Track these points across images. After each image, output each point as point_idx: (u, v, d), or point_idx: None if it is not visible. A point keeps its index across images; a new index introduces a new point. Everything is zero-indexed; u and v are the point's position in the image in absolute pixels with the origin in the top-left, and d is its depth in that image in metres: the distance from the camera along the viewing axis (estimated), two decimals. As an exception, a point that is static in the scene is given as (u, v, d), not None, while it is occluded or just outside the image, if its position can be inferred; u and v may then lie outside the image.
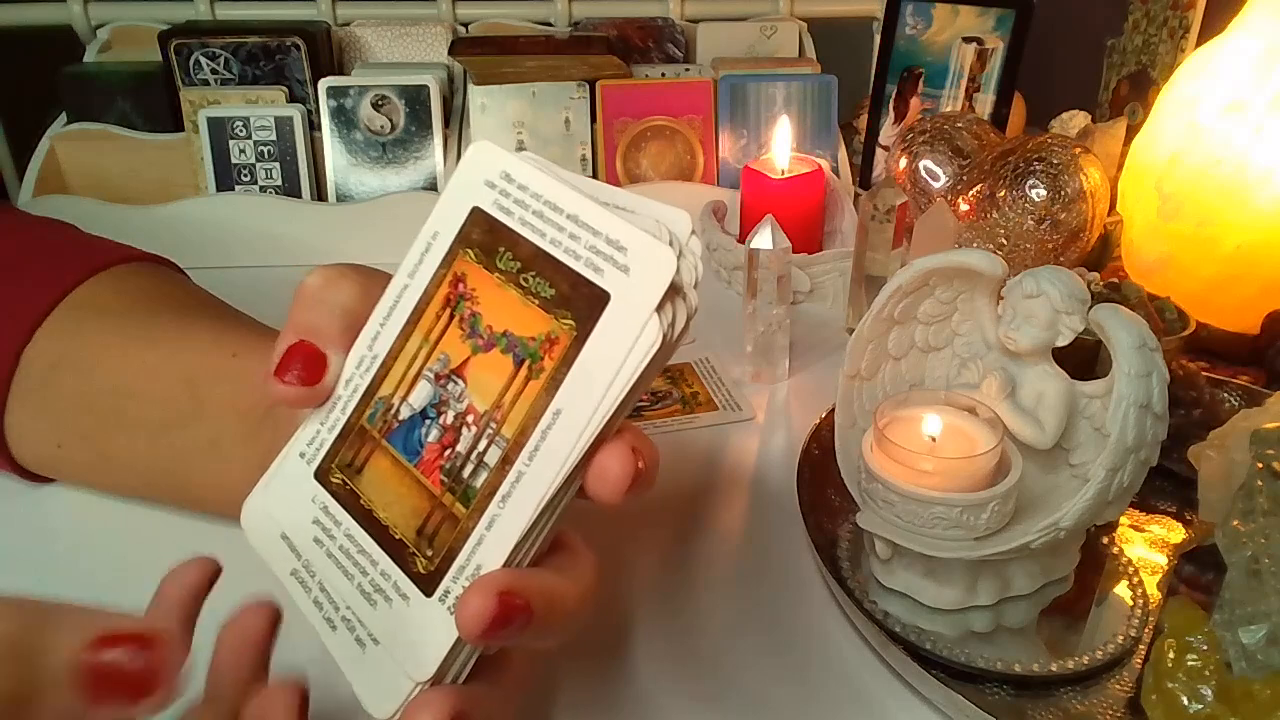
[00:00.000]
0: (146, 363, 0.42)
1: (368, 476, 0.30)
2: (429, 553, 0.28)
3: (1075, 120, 0.74)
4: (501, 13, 0.92)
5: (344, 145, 0.77)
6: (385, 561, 0.28)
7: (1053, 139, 0.66)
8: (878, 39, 0.86)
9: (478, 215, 0.30)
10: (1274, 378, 0.59)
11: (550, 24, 0.92)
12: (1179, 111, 0.65)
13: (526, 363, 0.27)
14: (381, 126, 0.77)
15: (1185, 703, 0.35)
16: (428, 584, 0.27)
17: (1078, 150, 0.65)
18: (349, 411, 0.31)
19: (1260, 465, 0.37)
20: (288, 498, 0.31)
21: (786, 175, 0.72)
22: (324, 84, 0.76)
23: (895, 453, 0.40)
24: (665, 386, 0.61)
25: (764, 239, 0.58)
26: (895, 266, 0.63)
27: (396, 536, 0.29)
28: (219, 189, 0.77)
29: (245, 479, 0.33)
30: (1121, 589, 0.43)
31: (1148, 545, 0.47)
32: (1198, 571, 0.44)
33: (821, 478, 0.49)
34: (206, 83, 0.79)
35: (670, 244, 0.26)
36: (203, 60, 0.79)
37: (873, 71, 0.85)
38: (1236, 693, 0.34)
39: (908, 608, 0.42)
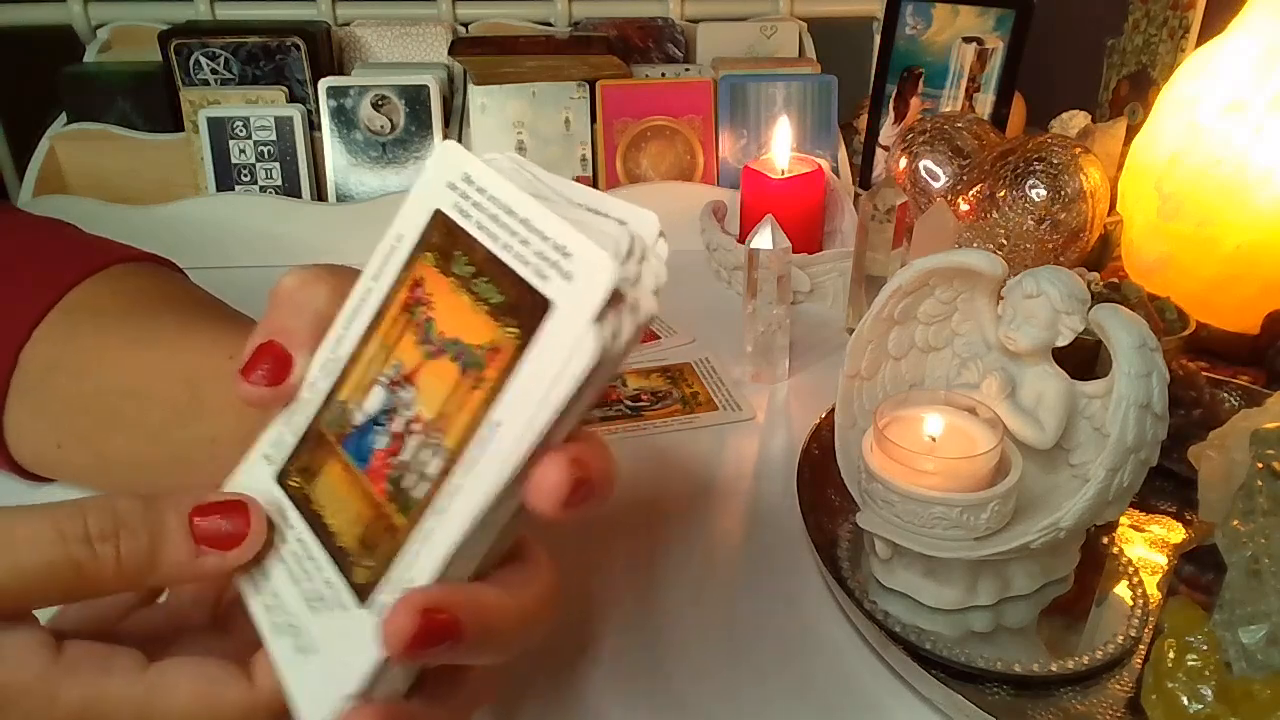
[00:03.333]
0: (145, 363, 0.42)
1: (321, 481, 0.29)
2: (369, 562, 0.27)
3: (1075, 120, 0.74)
4: (501, 13, 0.92)
5: (344, 145, 0.77)
6: (330, 569, 0.28)
7: (1053, 139, 0.66)
8: (878, 39, 0.86)
9: (439, 218, 0.29)
10: (1274, 378, 0.59)
11: (550, 24, 0.92)
12: (1179, 111, 0.65)
13: (471, 371, 0.26)
14: (381, 126, 0.77)
15: (1185, 703, 0.35)
16: (364, 594, 0.27)
17: (1078, 150, 0.65)
18: (311, 415, 0.30)
19: (1260, 465, 0.37)
20: (241, 482, 0.31)
21: (786, 175, 0.72)
22: (324, 84, 0.76)
23: (895, 453, 0.40)
24: (665, 386, 0.61)
25: (764, 239, 0.58)
26: (895, 266, 0.63)
27: (340, 544, 0.28)
28: (219, 189, 0.77)
29: None
30: (1121, 589, 0.43)
31: (1148, 545, 0.47)
32: (1198, 571, 0.44)
33: (821, 478, 0.49)
34: (206, 83, 0.79)
35: (629, 250, 0.25)
36: (203, 60, 0.79)
37: (873, 71, 0.85)
38: (1236, 693, 0.34)
39: (908, 608, 0.42)
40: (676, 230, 0.79)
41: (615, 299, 0.24)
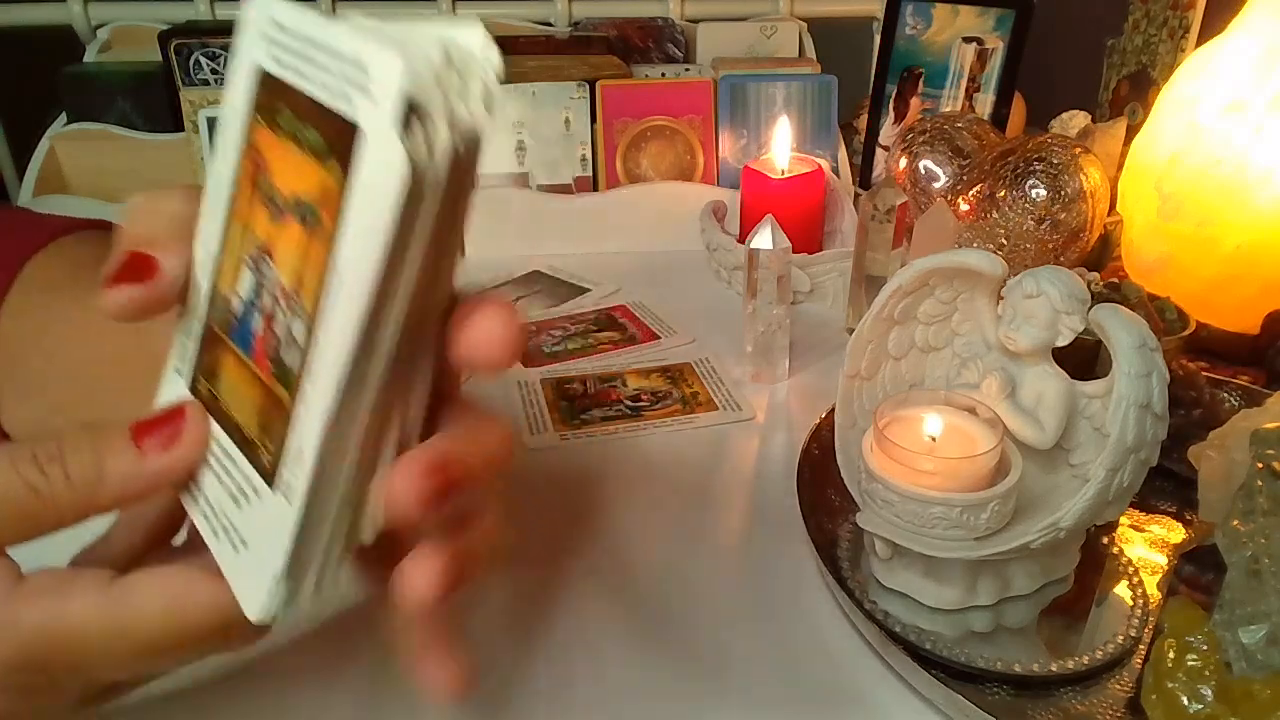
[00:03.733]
0: (112, 328, 0.43)
1: (223, 379, 0.29)
2: (269, 444, 0.27)
3: (1075, 120, 0.75)
4: (501, 13, 0.92)
5: (344, 145, 0.77)
6: (242, 462, 0.28)
7: (1053, 139, 0.66)
8: (878, 39, 0.86)
9: (261, 76, 0.27)
10: (1274, 378, 0.59)
11: (550, 24, 0.92)
12: (1179, 111, 0.65)
13: (311, 224, 0.25)
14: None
15: (1185, 703, 0.35)
16: (270, 477, 0.27)
17: (1078, 150, 0.65)
18: (202, 317, 0.30)
19: (1260, 465, 0.37)
20: (164, 399, 0.31)
21: (786, 175, 0.72)
22: (324, 84, 0.76)
23: (895, 453, 0.40)
24: (665, 386, 0.61)
25: (764, 239, 0.58)
26: (895, 266, 0.63)
27: (247, 435, 0.28)
28: (219, 189, 0.77)
29: None
30: (1121, 589, 0.43)
31: (1148, 545, 0.47)
32: (1198, 571, 0.44)
33: (821, 478, 0.49)
34: (206, 83, 0.79)
35: (440, 57, 0.23)
36: (203, 60, 0.79)
37: (873, 71, 0.85)
38: (1236, 693, 0.34)
39: (908, 608, 0.42)
40: (676, 230, 0.79)
41: (422, 110, 0.23)
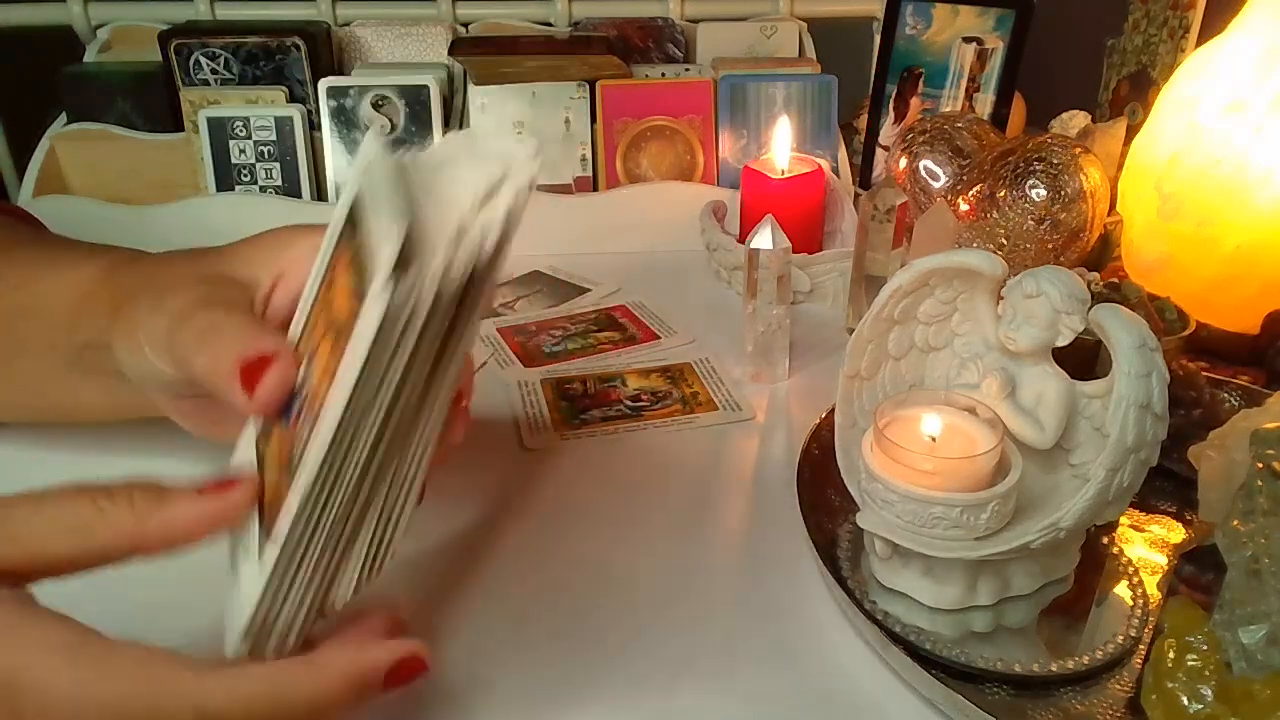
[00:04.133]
0: (32, 284, 0.45)
1: (269, 447, 0.33)
2: (270, 517, 0.31)
3: (1075, 120, 0.75)
4: (501, 13, 0.92)
5: (344, 145, 0.77)
6: (255, 524, 0.32)
7: (1053, 139, 0.66)
8: (878, 39, 0.86)
9: (355, 202, 0.32)
10: (1274, 378, 0.59)
11: (550, 24, 0.92)
12: (1179, 111, 0.65)
13: (338, 344, 0.29)
14: (381, 126, 0.77)
15: (1185, 703, 0.35)
16: (261, 545, 0.31)
17: (1078, 150, 0.65)
18: None
19: (1260, 465, 0.37)
20: (238, 456, 0.35)
21: (786, 175, 0.72)
22: (324, 84, 0.76)
23: (895, 453, 0.40)
24: (665, 386, 0.61)
25: (764, 239, 0.58)
26: (895, 266, 0.63)
27: (265, 500, 0.31)
28: (219, 189, 0.77)
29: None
30: (1121, 589, 0.43)
31: (1148, 545, 0.47)
32: (1198, 571, 0.44)
33: (821, 478, 0.49)
34: (206, 83, 0.79)
35: (467, 200, 0.28)
36: (203, 60, 0.79)
37: (873, 71, 0.85)
38: (1236, 693, 0.34)
39: (908, 608, 0.42)
40: (676, 230, 0.79)
41: (412, 269, 0.27)
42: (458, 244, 0.28)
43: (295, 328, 0.34)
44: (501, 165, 0.29)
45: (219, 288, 0.38)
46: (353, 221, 0.31)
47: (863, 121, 0.87)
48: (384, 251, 0.27)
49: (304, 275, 0.36)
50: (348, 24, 0.87)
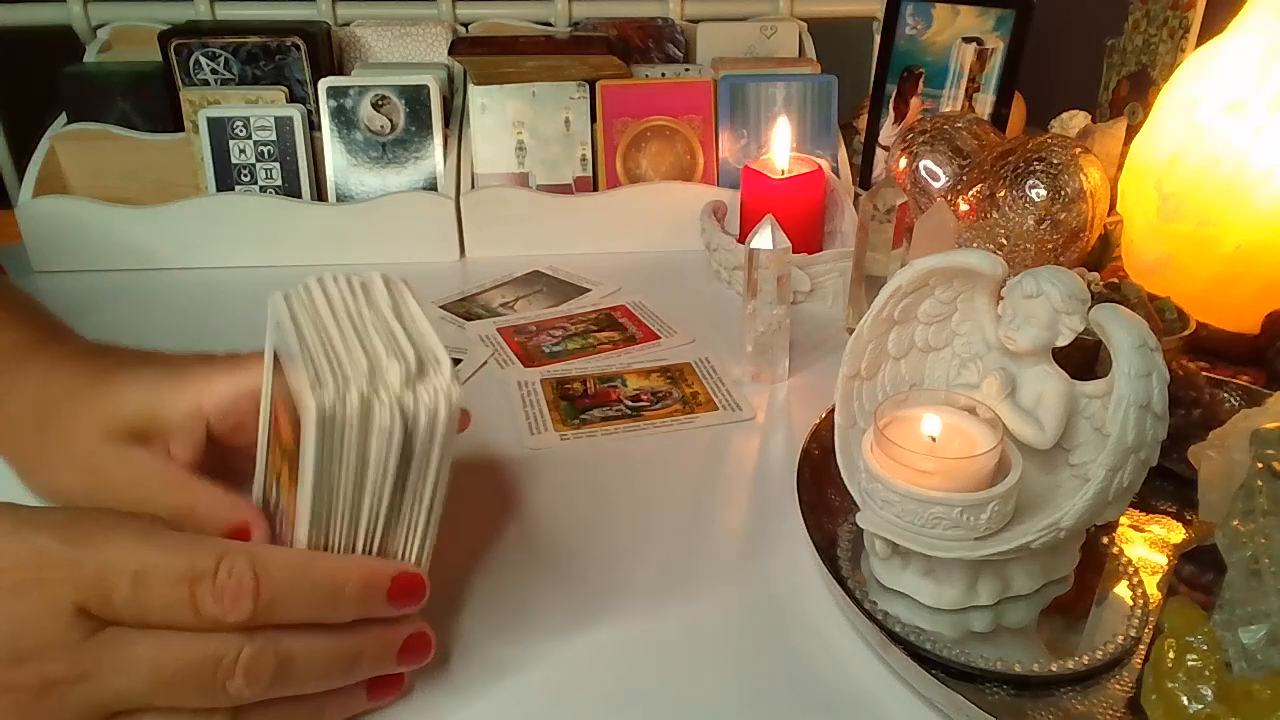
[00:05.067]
0: None
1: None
2: None
3: (1075, 120, 0.74)
4: (501, 13, 0.92)
5: (344, 145, 0.77)
6: None
7: (1053, 139, 0.66)
8: (878, 39, 0.86)
9: (275, 357, 0.38)
10: (1274, 378, 0.59)
11: (550, 24, 0.92)
12: (1179, 111, 0.65)
13: (290, 468, 0.35)
14: (381, 126, 0.77)
15: (1185, 703, 0.35)
16: None
17: (1078, 150, 0.65)
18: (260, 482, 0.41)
19: (1260, 465, 0.37)
20: None
21: (786, 175, 0.72)
22: (324, 84, 0.76)
23: (895, 453, 0.40)
24: (665, 386, 0.61)
25: (764, 239, 0.58)
26: (895, 266, 0.63)
27: None
28: (219, 189, 0.77)
29: None
30: (1121, 589, 0.43)
31: (1148, 545, 0.47)
32: (1198, 571, 0.44)
33: (821, 478, 0.49)
34: (206, 83, 0.79)
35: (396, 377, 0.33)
36: (203, 60, 0.79)
37: (873, 71, 0.85)
38: (1236, 693, 0.34)
39: (908, 608, 0.42)
40: (676, 230, 0.79)
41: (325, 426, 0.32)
42: (373, 385, 0.33)
43: (260, 460, 0.40)
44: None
45: (144, 452, 0.40)
46: (279, 368, 0.36)
47: (863, 121, 0.87)
48: (305, 392, 0.32)
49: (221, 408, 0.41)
50: (348, 24, 0.87)
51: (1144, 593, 0.43)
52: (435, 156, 0.78)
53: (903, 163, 0.74)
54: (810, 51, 0.90)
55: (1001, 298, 0.43)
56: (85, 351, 0.44)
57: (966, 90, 0.81)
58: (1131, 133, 0.71)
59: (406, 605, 0.35)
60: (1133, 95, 0.84)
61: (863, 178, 0.86)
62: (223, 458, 0.42)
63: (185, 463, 0.40)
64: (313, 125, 0.78)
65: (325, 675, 0.34)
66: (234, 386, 0.41)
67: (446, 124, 0.79)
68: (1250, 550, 0.36)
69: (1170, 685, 0.35)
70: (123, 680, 0.30)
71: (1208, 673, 0.35)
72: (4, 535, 0.31)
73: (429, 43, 0.87)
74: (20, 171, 0.80)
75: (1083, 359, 0.50)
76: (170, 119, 0.79)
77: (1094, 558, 0.45)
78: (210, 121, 0.76)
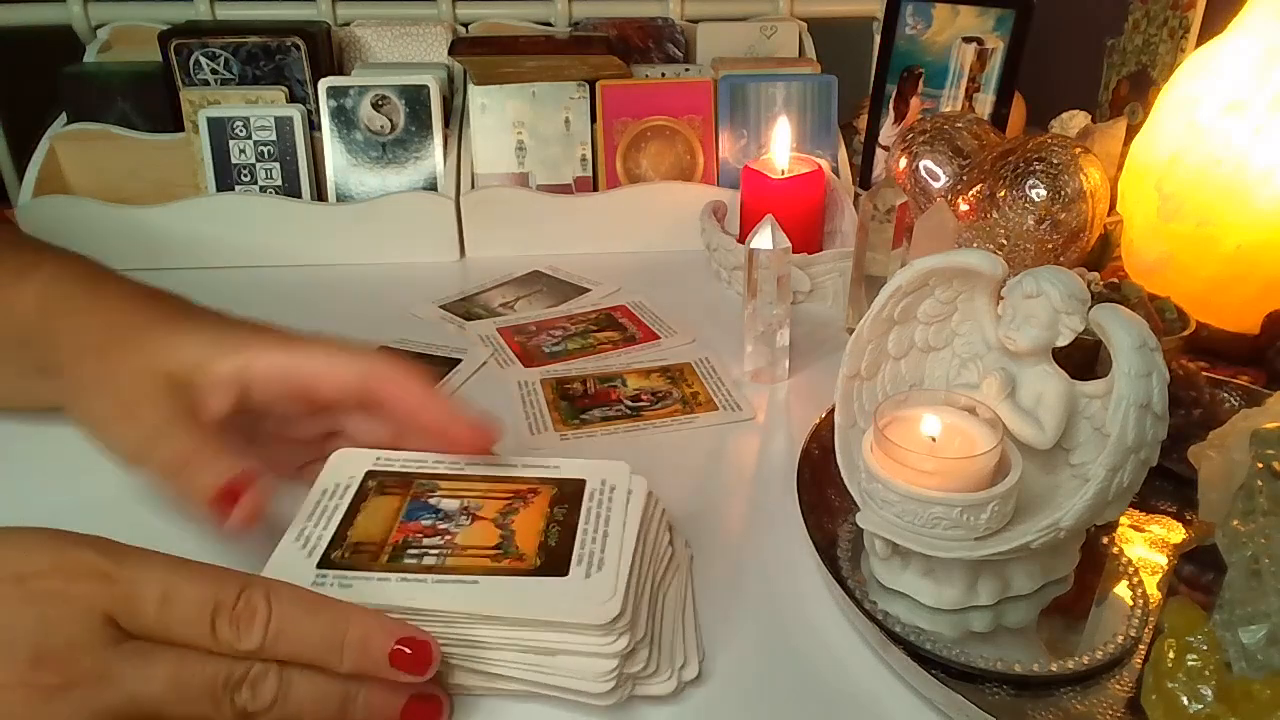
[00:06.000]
0: None
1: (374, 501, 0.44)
2: (337, 555, 0.40)
3: (1075, 120, 0.74)
4: (501, 13, 0.92)
5: (344, 145, 0.77)
6: (328, 533, 0.42)
7: (1053, 139, 0.66)
8: (878, 39, 0.86)
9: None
10: (1274, 378, 0.59)
11: (550, 24, 0.92)
12: (1179, 111, 0.65)
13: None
14: (381, 126, 0.77)
15: (1185, 703, 0.35)
16: (322, 564, 0.40)
17: (1078, 150, 0.65)
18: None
19: (1260, 465, 0.37)
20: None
21: (786, 175, 0.72)
22: (324, 84, 0.76)
23: (895, 453, 0.40)
24: (665, 386, 0.61)
25: (764, 239, 0.58)
26: (895, 266, 0.63)
27: (346, 532, 0.42)
28: (219, 189, 0.77)
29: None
30: (1121, 589, 0.43)
31: (1148, 545, 0.47)
32: (1198, 571, 0.44)
33: (821, 478, 0.49)
34: (206, 83, 0.79)
35: None
36: (203, 60, 0.79)
37: (873, 71, 0.85)
38: (1236, 693, 0.34)
39: (908, 608, 0.42)
40: (676, 230, 0.79)
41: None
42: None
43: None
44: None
45: (179, 399, 0.42)
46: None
47: (863, 121, 0.87)
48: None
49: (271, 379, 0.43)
50: (348, 24, 0.87)
51: (1144, 593, 0.43)
52: (435, 156, 0.78)
53: (903, 163, 0.74)
54: (810, 51, 0.90)
55: (1001, 298, 0.43)
56: (156, 292, 0.48)
57: (966, 90, 0.81)
58: (1131, 133, 0.71)
59: (409, 673, 0.35)
60: (1133, 95, 0.84)
61: (863, 178, 0.86)
62: (251, 424, 0.45)
63: (211, 418, 0.43)
64: (313, 125, 0.78)
65: (317, 711, 0.35)
66: (282, 363, 0.43)
67: (446, 124, 0.79)
68: (1250, 550, 0.36)
69: (1170, 685, 0.35)
70: (140, 687, 0.32)
71: (1208, 673, 0.35)
72: (44, 543, 0.33)
73: (429, 43, 0.87)
74: (20, 171, 0.80)
75: (1083, 359, 0.50)
76: (170, 119, 0.79)
77: (1094, 558, 0.45)
78: (210, 121, 0.76)
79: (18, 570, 0.32)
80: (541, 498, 0.43)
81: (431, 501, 0.42)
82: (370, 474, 0.44)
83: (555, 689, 0.37)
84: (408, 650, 0.35)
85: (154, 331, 0.44)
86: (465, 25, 0.91)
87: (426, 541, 0.40)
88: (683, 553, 0.46)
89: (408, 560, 0.39)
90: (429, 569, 0.39)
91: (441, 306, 0.71)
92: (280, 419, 0.45)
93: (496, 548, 0.40)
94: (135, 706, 0.32)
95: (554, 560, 0.39)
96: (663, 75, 0.82)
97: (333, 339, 0.46)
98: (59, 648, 0.31)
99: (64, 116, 0.79)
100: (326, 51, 0.82)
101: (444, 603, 0.37)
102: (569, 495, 0.43)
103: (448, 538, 0.40)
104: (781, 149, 0.72)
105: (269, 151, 0.77)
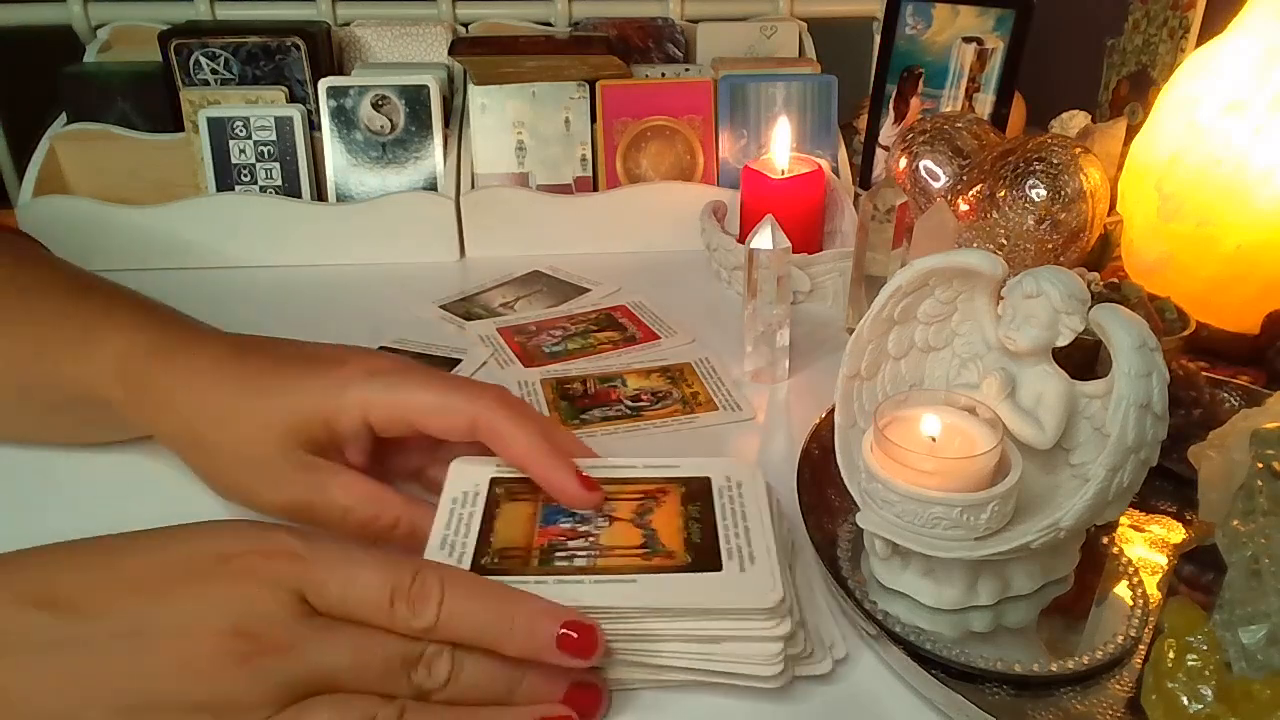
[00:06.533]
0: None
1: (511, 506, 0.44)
2: (485, 560, 0.41)
3: (1075, 120, 0.74)
4: (501, 13, 0.92)
5: (344, 145, 0.77)
6: (471, 538, 0.42)
7: (1053, 139, 0.66)
8: (878, 39, 0.86)
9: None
10: (1274, 378, 0.59)
11: (550, 24, 0.92)
12: (1179, 111, 0.65)
13: None
14: (381, 126, 0.77)
15: (1185, 703, 0.35)
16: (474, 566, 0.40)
17: (1078, 150, 0.65)
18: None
19: (1260, 465, 0.37)
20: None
21: (786, 175, 0.72)
22: (324, 84, 0.76)
23: (895, 453, 0.40)
24: (665, 386, 0.61)
25: (764, 239, 0.58)
26: (895, 266, 0.63)
27: (490, 538, 0.42)
28: (219, 189, 0.77)
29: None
30: (1121, 589, 0.43)
31: (1148, 545, 0.47)
32: (1198, 571, 0.44)
33: (821, 478, 0.49)
34: (206, 83, 0.79)
35: None
36: (203, 60, 0.79)
37: (873, 71, 0.85)
38: (1236, 693, 0.34)
39: (908, 608, 0.42)
40: (676, 230, 0.79)
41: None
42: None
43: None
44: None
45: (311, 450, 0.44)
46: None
47: (863, 121, 0.87)
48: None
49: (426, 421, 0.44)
50: (348, 24, 0.87)
51: (1144, 593, 0.43)
52: (435, 156, 0.78)
53: (903, 163, 0.74)
54: (810, 51, 0.90)
55: (1001, 298, 0.43)
56: (234, 349, 0.47)
57: (966, 90, 0.81)
58: (1131, 133, 0.71)
59: (575, 657, 0.36)
60: (1133, 95, 0.84)
61: (863, 178, 0.86)
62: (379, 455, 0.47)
63: (359, 466, 0.45)
64: (313, 125, 0.78)
65: (485, 692, 0.36)
66: (395, 402, 0.44)
67: (446, 124, 0.79)
68: (1250, 550, 0.36)
69: (1170, 685, 0.35)
70: (325, 659, 0.34)
71: (1208, 673, 0.35)
72: (244, 528, 0.37)
73: (429, 43, 0.87)
74: (20, 171, 0.80)
75: (1083, 359, 0.50)
76: (170, 119, 0.79)
77: (1094, 558, 0.45)
78: (210, 121, 0.76)
79: (221, 550, 0.35)
80: (672, 497, 0.44)
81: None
82: (495, 481, 0.45)
83: (724, 675, 0.38)
84: (574, 634, 0.36)
85: (259, 397, 0.44)
86: (465, 25, 0.91)
87: (572, 544, 0.41)
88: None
89: (558, 563, 0.40)
90: (583, 570, 0.39)
91: (441, 306, 0.71)
92: (394, 446, 0.48)
93: (643, 546, 0.41)
94: (318, 677, 0.34)
95: (704, 555, 0.40)
96: (663, 75, 0.82)
97: (436, 373, 0.46)
98: (256, 619, 0.33)
99: (64, 116, 0.79)
100: (326, 51, 0.82)
101: (609, 600, 0.38)
102: (698, 493, 0.44)
103: (591, 539, 0.41)
104: (781, 149, 0.72)
105: (269, 151, 0.77)
